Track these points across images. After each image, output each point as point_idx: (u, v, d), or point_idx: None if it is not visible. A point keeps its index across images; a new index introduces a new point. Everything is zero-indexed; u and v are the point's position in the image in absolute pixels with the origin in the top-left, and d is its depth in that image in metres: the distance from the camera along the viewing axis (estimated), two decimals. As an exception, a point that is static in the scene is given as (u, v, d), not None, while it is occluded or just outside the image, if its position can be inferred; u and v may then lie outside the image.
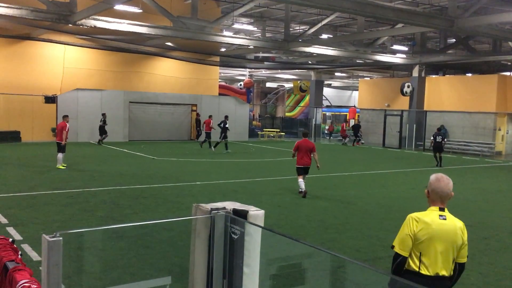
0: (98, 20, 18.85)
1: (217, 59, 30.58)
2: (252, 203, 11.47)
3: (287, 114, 45.91)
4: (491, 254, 7.59)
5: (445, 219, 3.56)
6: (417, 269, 3.49)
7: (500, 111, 26.67)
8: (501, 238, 8.65)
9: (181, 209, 10.00)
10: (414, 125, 29.34)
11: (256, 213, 3.13)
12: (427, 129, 28.50)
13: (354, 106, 42.14)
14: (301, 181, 12.02)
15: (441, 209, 3.61)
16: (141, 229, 8.02)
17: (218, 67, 31.75)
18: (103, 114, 24.50)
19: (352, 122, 41.37)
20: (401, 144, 29.65)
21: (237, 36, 26.55)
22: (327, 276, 5.80)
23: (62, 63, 26.01)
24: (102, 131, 24.30)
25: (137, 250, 7.11)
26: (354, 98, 53.02)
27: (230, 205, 3.23)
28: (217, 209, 3.14)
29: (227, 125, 23.28)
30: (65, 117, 15.76)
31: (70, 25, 19.57)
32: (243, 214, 3.09)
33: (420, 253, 3.49)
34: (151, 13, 22.70)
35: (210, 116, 25.24)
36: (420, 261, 3.49)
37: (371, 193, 12.80)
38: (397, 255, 3.55)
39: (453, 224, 3.57)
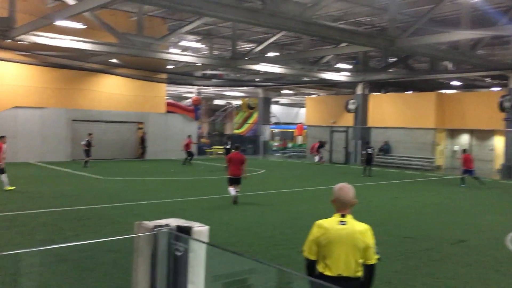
0: (39, 36, 18.24)
1: (164, 76, 30.29)
2: (200, 221, 11.26)
3: (235, 131, 46.00)
4: (433, 265, 7.84)
5: (344, 224, 3.82)
6: (322, 271, 3.82)
7: (438, 127, 27.95)
8: (442, 249, 8.97)
9: (127, 230, 9.65)
10: (359, 141, 30.18)
11: (200, 229, 3.07)
12: (371, 145, 29.37)
13: (301, 123, 42.86)
14: (231, 189, 13.12)
15: (343, 215, 3.87)
16: (84, 252, 7.69)
17: (165, 84, 31.42)
18: (89, 134, 23.56)
19: (299, 139, 42.08)
20: (347, 160, 30.37)
21: (184, 53, 26.45)
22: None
23: (-1, 80, 24.87)
24: (88, 152, 23.05)
25: (79, 273, 6.80)
26: (301, 115, 53.99)
27: (173, 222, 3.15)
28: (160, 226, 3.06)
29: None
30: (2, 137, 14.97)
31: (8, 40, 18.80)
32: (187, 231, 3.03)
33: (325, 256, 3.81)
34: (95, 29, 22.22)
35: (189, 136, 27.17)
36: (324, 263, 3.81)
37: (319, 208, 12.97)
38: (306, 259, 3.91)
39: (352, 228, 3.82)
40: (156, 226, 3.06)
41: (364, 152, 23.21)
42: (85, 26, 21.17)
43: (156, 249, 3.03)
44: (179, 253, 2.99)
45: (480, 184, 18.85)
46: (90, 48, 20.08)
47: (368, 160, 22.52)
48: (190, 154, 26.15)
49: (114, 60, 26.69)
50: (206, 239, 3.03)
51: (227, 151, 25.09)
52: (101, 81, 27.89)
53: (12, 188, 14.67)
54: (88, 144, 23.16)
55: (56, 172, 20.61)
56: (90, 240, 8.95)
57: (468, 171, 19.12)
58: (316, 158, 30.14)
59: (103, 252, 7.75)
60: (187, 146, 26.13)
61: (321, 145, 30.74)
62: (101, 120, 27.44)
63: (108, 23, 19.84)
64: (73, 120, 26.38)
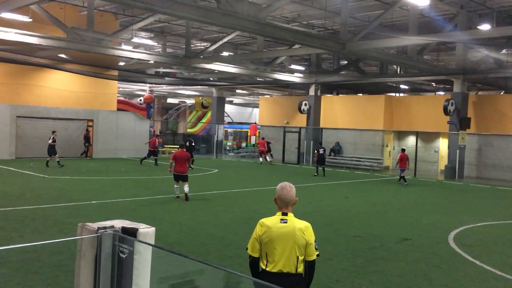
0: (-19, 27, 17.37)
1: (116, 73, 29.56)
2: (152, 221, 11.12)
3: (188, 130, 45.58)
4: (380, 263, 8.07)
5: (285, 222, 3.95)
6: (264, 267, 3.93)
7: (387, 129, 28.84)
8: (388, 248, 9.26)
9: (74, 231, 9.34)
10: (311, 141, 30.65)
11: (146, 230, 3.01)
12: (323, 145, 29.88)
13: (255, 123, 43.05)
14: (176, 187, 13.88)
15: (284, 214, 4.00)
16: (28, 254, 7.39)
17: (117, 81, 30.68)
18: (53, 132, 22.31)
19: (253, 139, 42.23)
20: (300, 160, 30.77)
21: (137, 50, 25.96)
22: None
23: None
24: (52, 150, 21.65)
25: (22, 276, 6.52)
26: (255, 115, 54.21)
27: (119, 223, 3.07)
28: (104, 228, 2.98)
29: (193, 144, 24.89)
30: None
31: None
32: (132, 232, 2.96)
33: (266, 253, 3.93)
34: (43, 23, 21.41)
35: (157, 136, 27.71)
36: (266, 260, 3.93)
37: (271, 207, 13.03)
38: (249, 256, 4.03)
39: (293, 226, 3.93)
40: (100, 228, 2.97)
41: (316, 152, 23.65)
42: (31, 19, 20.32)
43: (100, 251, 2.95)
44: (123, 256, 2.92)
45: (403, 184, 20.32)
46: (36, 42, 19.31)
47: (321, 160, 22.95)
48: (154, 153, 25.22)
49: (63, 56, 25.80)
50: (152, 241, 2.97)
51: (187, 149, 24.35)
52: (48, 76, 26.86)
53: None
54: (54, 141, 22.11)
55: (-1, 170, 19.69)
56: (35, 241, 8.62)
57: (401, 170, 20.49)
58: (268, 158, 30.25)
59: (48, 254, 7.48)
60: (153, 145, 25.32)
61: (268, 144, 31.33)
62: (49, 117, 26.44)
63: (56, 17, 19.16)
64: (17, 116, 25.26)
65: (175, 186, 13.97)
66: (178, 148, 15.14)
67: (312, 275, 4.01)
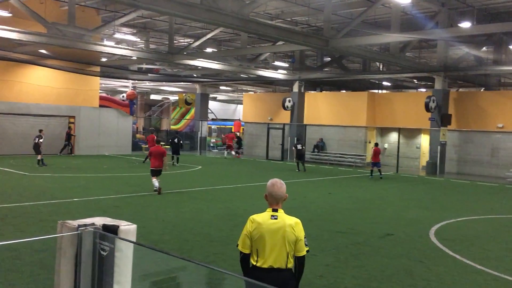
0: (-41, 22, 17.02)
1: (98, 69, 29.25)
2: (135, 218, 11.03)
3: (172, 127, 45.32)
4: (363, 258, 8.16)
5: (276, 218, 3.98)
6: (255, 263, 3.97)
7: (369, 125, 29.08)
8: (371, 243, 9.36)
9: (55, 228, 9.28)
10: (295, 138, 30.75)
11: (128, 228, 2.99)
12: (307, 142, 30.04)
13: (239, 120, 43.00)
14: (154, 180, 14.24)
15: (274, 210, 4.03)
16: (8, 252, 7.29)
17: (99, 77, 30.34)
18: (41, 131, 21.70)
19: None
20: (283, 156, 30.86)
21: (119, 46, 25.68)
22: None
23: None
24: (37, 149, 21.00)
25: (4, 274, 6.44)
26: (239, 111, 54.16)
27: (100, 220, 3.05)
28: (85, 225, 2.95)
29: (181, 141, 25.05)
30: None
31: None
32: (113, 230, 2.94)
33: (257, 249, 3.96)
34: (22, 18, 21.05)
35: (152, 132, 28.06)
36: (257, 256, 3.96)
37: (255, 204, 13.08)
38: (240, 252, 4.04)
39: (283, 222, 3.98)
40: (80, 225, 2.95)
41: (294, 148, 23.94)
42: (11, 14, 19.97)
43: (80, 249, 2.92)
44: (104, 253, 2.90)
45: (379, 177, 21.15)
46: (16, 38, 19.02)
47: (299, 156, 23.17)
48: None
49: (43, 51, 25.42)
50: (134, 238, 2.96)
51: (175, 146, 24.31)
52: (29, 72, 26.44)
53: None
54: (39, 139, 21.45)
55: (-22, 168, 19.34)
56: (16, 239, 8.50)
57: (375, 164, 21.25)
58: (233, 153, 30.77)
59: (29, 253, 7.38)
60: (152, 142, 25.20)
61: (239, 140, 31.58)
62: (29, 113, 26.04)
63: (36, 12, 18.87)
64: (-3, 113, 24.86)
65: (153, 180, 14.31)
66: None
67: (302, 271, 4.06)
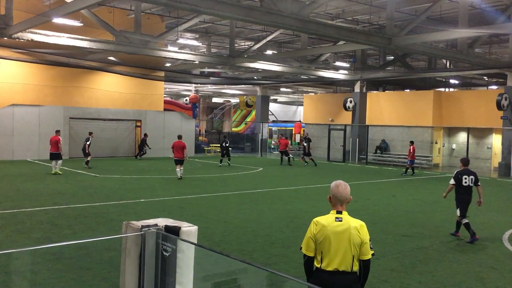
0: (36, 33, 18.17)
1: (162, 74, 30.23)
2: (198, 219, 11.24)
3: (233, 129, 45.97)
4: (429, 263, 7.84)
5: (340, 220, 3.92)
6: (319, 266, 3.92)
7: (436, 125, 27.97)
8: (438, 247, 8.98)
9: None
10: (357, 139, 30.18)
11: (189, 229, 3.05)
12: (369, 143, 29.39)
13: (300, 121, 42.82)
14: (178, 170, 17.93)
15: (339, 212, 3.97)
16: (81, 250, 7.67)
17: (163, 82, 31.36)
18: (90, 133, 22.98)
19: (298, 137, 42.06)
20: (345, 158, 30.37)
21: (182, 51, 26.40)
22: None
23: (-4, 78, 24.76)
24: (85, 152, 22.09)
25: (76, 272, 6.79)
26: (300, 113, 53.96)
27: (162, 221, 3.13)
28: (148, 226, 3.04)
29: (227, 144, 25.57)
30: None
31: (5, 38, 18.73)
32: (175, 231, 3.01)
33: (322, 252, 3.90)
34: (93, 27, 22.15)
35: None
36: (321, 258, 3.90)
37: (317, 206, 12.96)
38: (304, 255, 3.99)
39: (348, 224, 3.91)
40: (144, 226, 3.03)
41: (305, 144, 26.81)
42: (82, 24, 21.09)
43: (144, 249, 3.00)
44: (167, 254, 2.97)
45: (412, 174, 22.58)
46: (87, 46, 20.02)
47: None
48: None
49: (112, 58, 26.62)
50: (195, 239, 3.00)
51: (225, 149, 25.15)
52: (98, 79, 27.83)
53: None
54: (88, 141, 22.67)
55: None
56: (88, 238, 8.94)
57: (411, 161, 22.74)
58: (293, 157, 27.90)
59: (99, 251, 7.73)
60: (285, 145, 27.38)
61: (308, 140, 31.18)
62: (99, 118, 27.39)
63: (105, 21, 19.78)
64: (70, 118, 26.31)
65: (176, 169, 17.80)
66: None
67: (367, 275, 3.98)
